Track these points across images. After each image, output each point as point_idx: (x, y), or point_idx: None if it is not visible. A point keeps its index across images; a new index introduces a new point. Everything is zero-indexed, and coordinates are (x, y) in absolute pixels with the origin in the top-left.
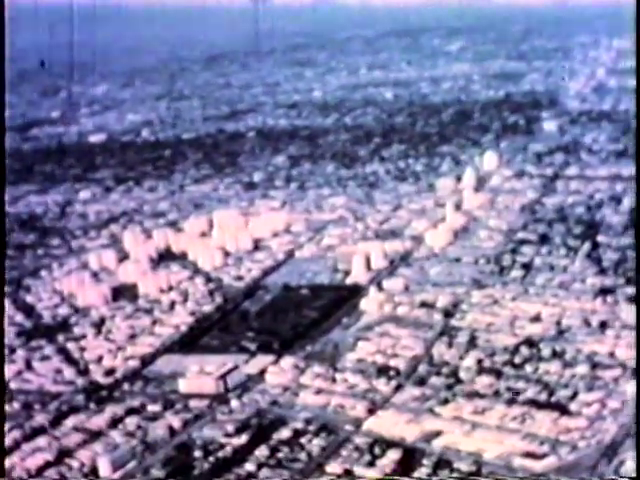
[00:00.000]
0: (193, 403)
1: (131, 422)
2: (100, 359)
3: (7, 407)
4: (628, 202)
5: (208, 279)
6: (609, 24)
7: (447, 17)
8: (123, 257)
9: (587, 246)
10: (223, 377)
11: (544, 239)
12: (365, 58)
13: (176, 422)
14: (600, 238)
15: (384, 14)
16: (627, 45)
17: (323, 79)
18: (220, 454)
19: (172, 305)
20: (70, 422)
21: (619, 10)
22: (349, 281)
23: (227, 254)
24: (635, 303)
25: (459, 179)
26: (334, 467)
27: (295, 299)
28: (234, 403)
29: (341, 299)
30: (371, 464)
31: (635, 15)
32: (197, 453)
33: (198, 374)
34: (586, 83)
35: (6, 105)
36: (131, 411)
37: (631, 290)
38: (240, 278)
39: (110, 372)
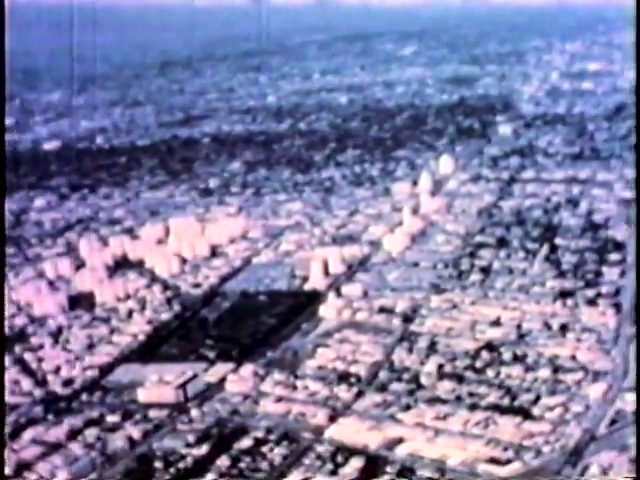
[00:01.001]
0: (153, 413)
1: (90, 434)
2: (58, 369)
3: None
4: (585, 204)
5: (165, 287)
6: (562, 28)
7: (399, 21)
8: (79, 265)
9: (545, 249)
10: (183, 386)
11: (502, 243)
12: (318, 63)
13: (136, 433)
14: (558, 241)
15: (336, 19)
16: (580, 49)
17: (277, 84)
18: (181, 465)
19: (130, 314)
20: (28, 435)
21: (572, 14)
22: (307, 287)
23: (184, 261)
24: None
25: (415, 183)
26: (296, 476)
27: (253, 306)
28: (194, 412)
29: (300, 305)
30: (333, 472)
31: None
32: (158, 464)
33: (157, 383)
34: (540, 87)
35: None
36: (90, 422)
37: (591, 292)
38: (198, 285)
39: (68, 383)
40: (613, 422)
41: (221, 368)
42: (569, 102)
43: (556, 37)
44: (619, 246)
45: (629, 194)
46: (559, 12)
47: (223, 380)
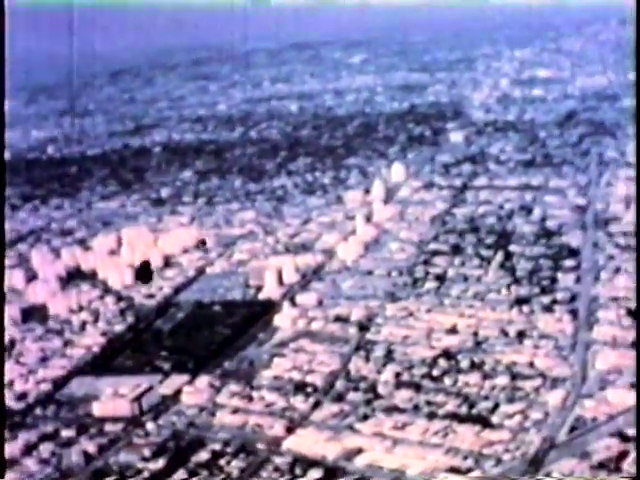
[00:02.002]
0: (108, 427)
1: (45, 449)
2: (11, 383)
3: None
4: (539, 211)
5: (119, 298)
6: (511, 35)
7: (348, 29)
8: (32, 277)
9: (500, 256)
10: (138, 399)
11: (456, 250)
12: (268, 71)
13: (91, 447)
14: (513, 248)
15: (286, 26)
16: (529, 56)
17: (227, 93)
18: (138, 479)
19: (83, 325)
20: None
21: (520, 21)
22: (262, 296)
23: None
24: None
25: (367, 191)
26: None
27: (208, 316)
28: (150, 426)
29: (254, 315)
30: None
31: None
32: (114, 479)
33: (112, 396)
34: (490, 94)
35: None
36: (45, 437)
37: (547, 299)
38: (151, 296)
39: (22, 397)
40: (573, 429)
41: (176, 380)
42: (520, 109)
43: (505, 44)
44: (574, 252)
45: (582, 200)
46: (507, 20)
47: (179, 392)
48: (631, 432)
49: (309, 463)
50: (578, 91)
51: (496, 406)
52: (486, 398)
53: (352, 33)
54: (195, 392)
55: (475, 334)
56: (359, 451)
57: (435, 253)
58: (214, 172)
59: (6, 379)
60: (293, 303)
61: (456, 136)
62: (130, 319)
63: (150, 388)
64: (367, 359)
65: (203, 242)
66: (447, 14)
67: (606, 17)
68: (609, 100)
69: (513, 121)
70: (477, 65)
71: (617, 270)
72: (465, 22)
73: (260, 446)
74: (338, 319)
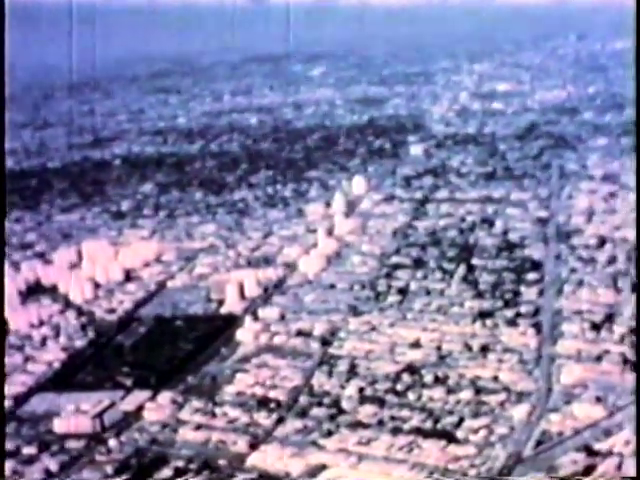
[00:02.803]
0: (70, 444)
1: (7, 466)
2: None
3: None
4: (500, 224)
5: (80, 312)
6: (470, 49)
7: (307, 43)
8: None
9: (462, 269)
10: (99, 415)
11: (418, 263)
12: (228, 84)
13: (53, 465)
14: (475, 261)
15: (245, 40)
16: (488, 69)
17: (187, 106)
18: None
19: (44, 341)
20: None
21: (480, 35)
22: (223, 311)
23: (98, 286)
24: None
25: (328, 204)
26: None
27: (170, 331)
28: (112, 442)
29: (216, 330)
30: None
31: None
32: None
33: (73, 413)
34: (450, 107)
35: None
36: (6, 455)
37: (510, 312)
38: (112, 311)
39: None
40: (539, 443)
41: (138, 396)
42: (480, 122)
43: (464, 58)
44: (536, 265)
45: (544, 213)
46: (466, 33)
47: (141, 408)
48: (597, 446)
49: None
50: (538, 104)
51: (461, 421)
52: (451, 413)
53: (311, 46)
54: (157, 408)
55: (438, 348)
56: (323, 467)
57: (397, 266)
58: (174, 185)
59: None
60: (255, 317)
61: (416, 149)
62: (91, 334)
63: (112, 404)
64: (330, 374)
65: None
66: (404, 28)
67: (565, 32)
68: (569, 113)
69: (473, 134)
70: (436, 79)
71: (580, 283)
72: (424, 36)
73: (223, 463)
74: (300, 333)
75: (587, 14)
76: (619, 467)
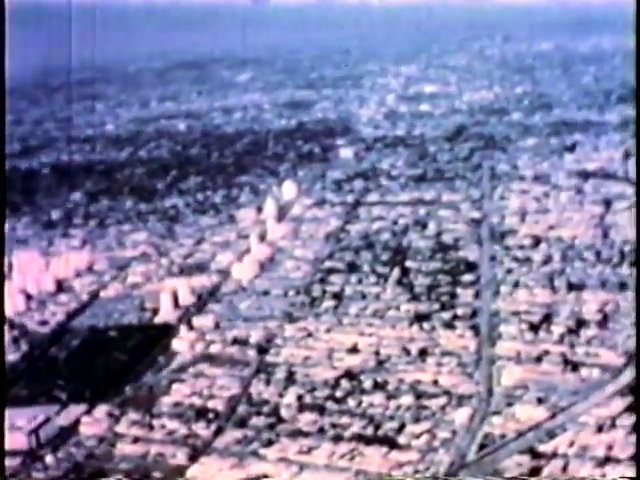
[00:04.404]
0: (5, 461)
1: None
2: None
3: None
4: (433, 226)
5: (11, 325)
6: (396, 51)
7: (233, 48)
8: None
9: (397, 272)
10: (35, 431)
11: (352, 267)
12: (155, 90)
13: None
14: (409, 263)
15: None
16: (415, 72)
17: (115, 112)
18: None
19: None
20: None
21: (406, 38)
22: (158, 320)
23: (29, 297)
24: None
25: (260, 209)
26: None
27: (104, 342)
28: (49, 459)
29: (151, 339)
30: None
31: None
32: None
33: (8, 429)
34: (377, 110)
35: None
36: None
37: (447, 315)
38: (45, 323)
39: None
40: (482, 447)
41: (74, 410)
42: (408, 124)
43: (390, 61)
44: (471, 267)
45: (476, 214)
46: (391, 36)
47: (77, 423)
48: (541, 448)
49: None
50: (466, 106)
51: (402, 426)
52: (392, 418)
53: (238, 52)
54: (94, 422)
55: (377, 353)
56: (265, 477)
57: (331, 271)
58: (104, 193)
59: None
60: (190, 326)
61: (346, 152)
62: (24, 347)
63: (47, 419)
64: (268, 382)
65: None
66: (330, 32)
67: (491, 34)
68: (497, 114)
69: (402, 136)
70: (363, 82)
71: (516, 284)
72: (349, 39)
73: (163, 475)
74: (236, 341)
75: (512, 15)
76: (564, 468)
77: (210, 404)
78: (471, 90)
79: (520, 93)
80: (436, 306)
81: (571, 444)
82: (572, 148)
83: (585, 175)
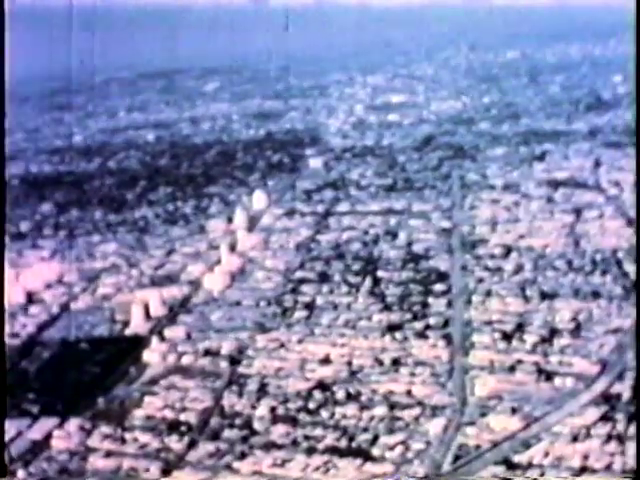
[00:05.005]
0: None
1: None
2: None
3: None
4: (404, 236)
5: None
6: (362, 61)
7: (200, 58)
8: None
9: (368, 282)
10: (6, 446)
11: (324, 277)
12: (123, 101)
13: None
14: (380, 273)
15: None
16: (382, 82)
17: (83, 123)
18: None
19: None
20: None
21: (371, 47)
22: (129, 332)
23: None
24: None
25: (230, 220)
26: None
27: (75, 354)
28: (21, 474)
29: (123, 351)
30: None
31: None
32: None
33: None
34: (346, 120)
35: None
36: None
37: (419, 325)
38: (15, 335)
39: None
40: (457, 458)
41: (46, 424)
42: (377, 134)
43: (357, 71)
44: (443, 276)
45: (447, 223)
46: (356, 46)
47: (49, 437)
48: (517, 458)
49: None
50: (434, 115)
51: (376, 438)
52: (365, 430)
53: (204, 61)
54: (65, 436)
55: (349, 364)
56: None
57: (302, 281)
58: (74, 204)
59: None
60: (162, 337)
61: (315, 162)
62: None
63: (19, 434)
64: (240, 394)
65: None
66: (296, 42)
67: (457, 43)
68: (465, 124)
69: (371, 146)
70: (330, 91)
71: (488, 293)
72: (315, 49)
73: None
74: (208, 353)
75: (476, 24)
76: None
77: (183, 417)
78: (438, 100)
79: (488, 102)
80: (408, 316)
81: (546, 454)
82: (541, 157)
83: (555, 184)
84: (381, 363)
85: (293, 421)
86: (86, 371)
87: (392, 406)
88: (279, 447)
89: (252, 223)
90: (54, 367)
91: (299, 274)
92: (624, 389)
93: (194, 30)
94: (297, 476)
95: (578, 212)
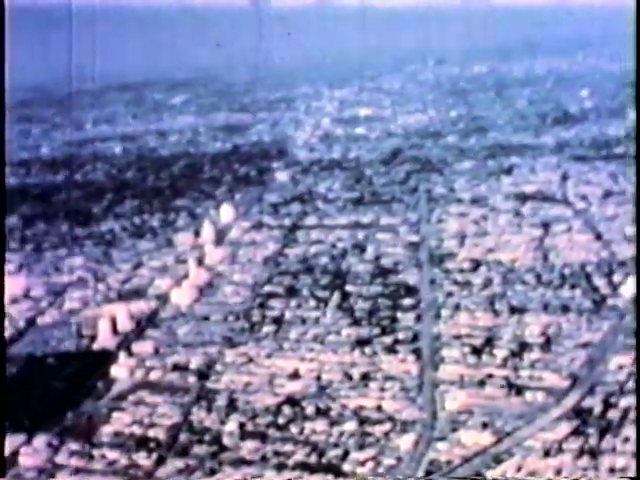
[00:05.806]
0: None
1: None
2: None
3: None
4: (372, 249)
5: None
6: (329, 74)
7: (167, 70)
8: None
9: (337, 296)
10: None
11: (292, 291)
12: (90, 113)
13: None
14: (349, 287)
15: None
16: (348, 95)
17: (49, 135)
18: None
19: None
20: None
21: (338, 60)
22: (96, 346)
23: None
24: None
25: (197, 233)
26: None
27: (41, 370)
28: None
29: (90, 366)
30: None
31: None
32: None
33: None
34: (313, 133)
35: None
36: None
37: (388, 339)
38: None
39: None
40: (428, 473)
41: (13, 440)
42: (344, 147)
43: (323, 84)
44: (411, 290)
45: (415, 237)
46: (324, 59)
47: (16, 454)
48: (489, 474)
49: None
50: (401, 129)
51: (346, 453)
52: (335, 445)
53: (172, 74)
54: (33, 452)
55: (318, 378)
56: None
57: (270, 295)
58: (40, 217)
59: None
60: (129, 352)
61: (282, 175)
62: None
63: None
64: (209, 409)
65: None
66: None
67: (424, 57)
68: (432, 137)
69: (338, 159)
70: (297, 104)
71: (457, 307)
72: (282, 62)
73: None
74: (176, 368)
75: (443, 40)
76: None
77: (151, 433)
78: (405, 113)
79: (455, 116)
80: (377, 330)
81: (518, 469)
82: (509, 171)
83: (523, 198)
84: (350, 378)
85: (262, 437)
86: (53, 387)
87: (362, 421)
88: (249, 463)
89: (220, 236)
90: (21, 383)
91: (267, 288)
92: (595, 403)
93: (164, 43)
94: None
95: (546, 226)
